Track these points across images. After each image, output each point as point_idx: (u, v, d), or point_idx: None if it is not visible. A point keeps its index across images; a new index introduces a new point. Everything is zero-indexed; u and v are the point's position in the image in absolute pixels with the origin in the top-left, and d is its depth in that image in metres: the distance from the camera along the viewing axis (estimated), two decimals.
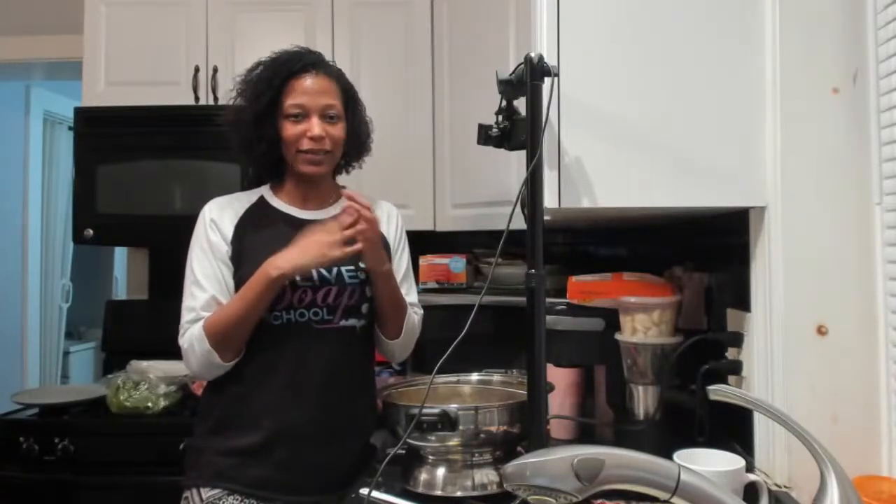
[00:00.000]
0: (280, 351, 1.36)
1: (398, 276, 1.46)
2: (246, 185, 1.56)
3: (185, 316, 1.36)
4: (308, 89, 1.38)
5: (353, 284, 1.40)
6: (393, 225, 1.53)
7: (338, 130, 1.42)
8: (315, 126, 1.38)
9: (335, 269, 1.39)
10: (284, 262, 1.30)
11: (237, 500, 1.32)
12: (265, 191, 1.49)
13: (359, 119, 1.49)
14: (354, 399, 1.43)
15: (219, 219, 1.40)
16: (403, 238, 1.54)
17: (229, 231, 1.40)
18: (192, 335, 1.33)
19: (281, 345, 1.36)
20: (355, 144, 1.49)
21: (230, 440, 1.35)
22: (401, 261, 1.51)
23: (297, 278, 1.35)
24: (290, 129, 1.38)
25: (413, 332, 1.50)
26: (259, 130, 1.39)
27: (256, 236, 1.40)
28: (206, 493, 1.34)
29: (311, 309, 1.37)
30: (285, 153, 1.42)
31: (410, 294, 1.52)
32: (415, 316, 1.50)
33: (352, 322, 1.40)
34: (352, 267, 1.40)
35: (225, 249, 1.38)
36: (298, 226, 1.41)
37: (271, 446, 1.34)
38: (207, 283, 1.35)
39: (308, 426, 1.35)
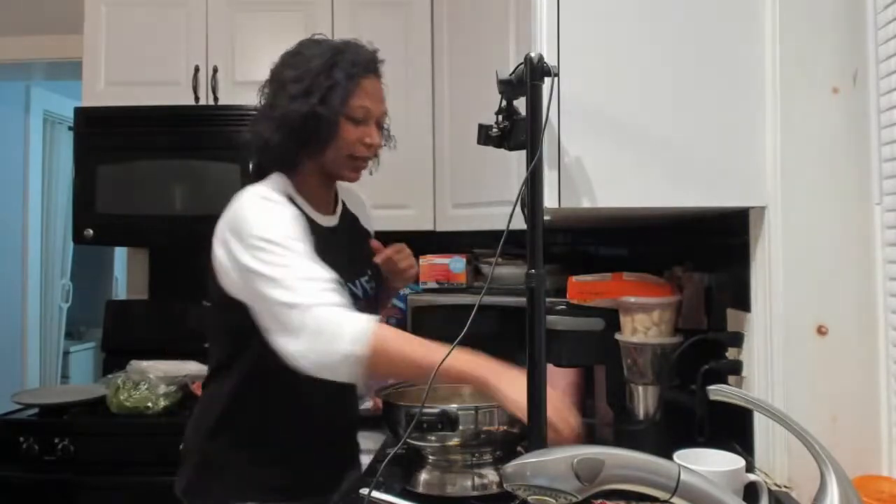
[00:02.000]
0: None
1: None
2: (249, 179, 1.33)
3: (309, 286, 1.12)
4: (373, 93, 1.29)
5: (371, 297, 1.40)
6: (369, 213, 1.54)
7: (381, 139, 1.35)
8: (375, 133, 1.30)
9: (359, 283, 1.35)
10: (510, 390, 1.03)
11: None
12: (290, 189, 1.31)
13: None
14: (354, 402, 1.44)
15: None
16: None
17: None
18: (342, 318, 1.11)
19: None
20: None
21: (254, 453, 1.29)
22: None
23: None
24: (350, 132, 1.27)
25: None
26: (326, 125, 1.24)
27: None
28: None
29: None
30: (330, 153, 1.28)
31: None
32: None
33: None
34: (368, 278, 1.40)
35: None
36: (321, 234, 1.28)
37: (290, 455, 1.29)
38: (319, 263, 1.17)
39: (321, 432, 1.33)
